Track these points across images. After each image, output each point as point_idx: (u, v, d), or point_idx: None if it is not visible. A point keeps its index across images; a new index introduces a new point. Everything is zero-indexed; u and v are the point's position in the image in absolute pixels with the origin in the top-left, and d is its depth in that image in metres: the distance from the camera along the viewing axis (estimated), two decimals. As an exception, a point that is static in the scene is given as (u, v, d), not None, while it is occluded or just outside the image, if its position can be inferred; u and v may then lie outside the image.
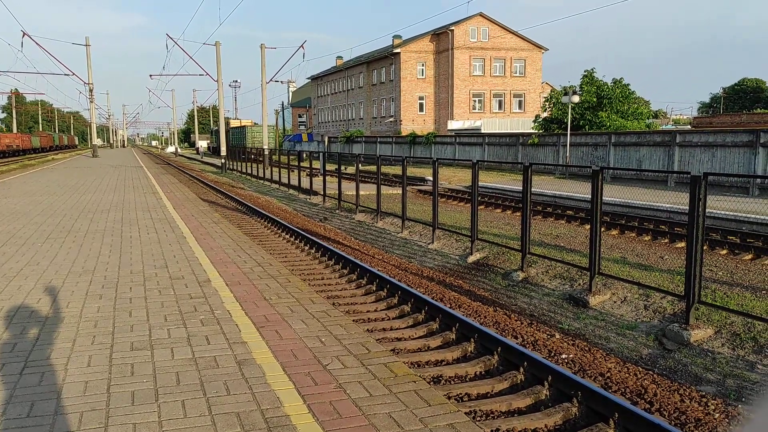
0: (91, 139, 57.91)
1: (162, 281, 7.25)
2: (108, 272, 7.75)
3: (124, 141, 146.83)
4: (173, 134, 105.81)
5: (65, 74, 56.80)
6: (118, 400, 3.93)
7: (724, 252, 12.22)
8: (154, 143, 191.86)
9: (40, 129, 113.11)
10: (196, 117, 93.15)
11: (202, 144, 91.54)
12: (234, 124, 73.75)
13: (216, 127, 71.55)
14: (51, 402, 3.90)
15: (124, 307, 6.15)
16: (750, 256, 11.77)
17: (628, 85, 35.08)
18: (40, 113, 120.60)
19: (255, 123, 73.77)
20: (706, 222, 8.36)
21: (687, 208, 7.80)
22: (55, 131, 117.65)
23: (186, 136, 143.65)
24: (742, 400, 6.38)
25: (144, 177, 27.08)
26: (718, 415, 5.73)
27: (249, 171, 38.94)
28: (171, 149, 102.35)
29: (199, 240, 10.19)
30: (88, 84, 49.99)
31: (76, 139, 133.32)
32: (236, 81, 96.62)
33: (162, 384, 4.20)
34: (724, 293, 9.00)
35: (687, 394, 6.20)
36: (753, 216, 14.52)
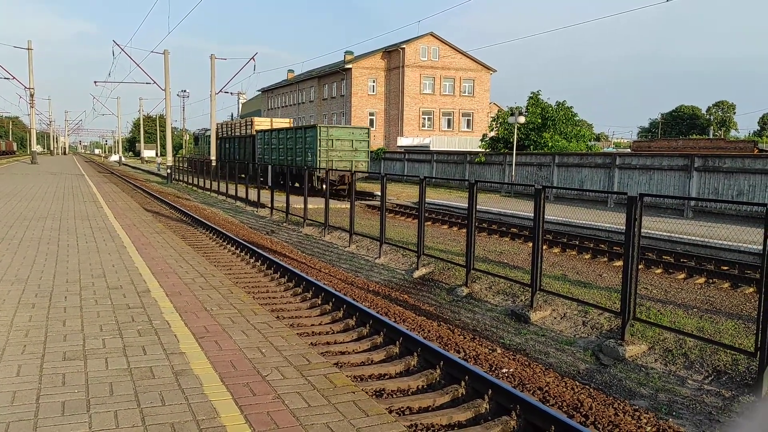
0: (30, 145, 56.01)
1: (99, 291, 7.05)
2: (42, 281, 7.49)
3: (65, 148, 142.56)
4: (117, 143, 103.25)
5: (5, 78, 54.71)
6: (48, 411, 3.79)
7: (659, 271, 12.65)
8: (97, 151, 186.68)
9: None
10: (142, 126, 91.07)
11: (147, 152, 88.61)
12: (260, 125, 38.96)
13: (202, 131, 55.11)
14: (-26, 413, 3.73)
15: (58, 316, 5.95)
16: (683, 276, 12.22)
17: (571, 107, 36.13)
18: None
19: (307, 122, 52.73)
20: (643, 242, 8.66)
21: (624, 228, 8.06)
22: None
23: (131, 145, 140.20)
24: (673, 414, 6.60)
25: (85, 185, 26.30)
26: (650, 428, 5.90)
27: (195, 182, 38.30)
28: (115, 158, 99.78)
29: (139, 250, 9.95)
30: (29, 89, 48.44)
31: (14, 145, 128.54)
32: (185, 91, 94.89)
33: (94, 394, 4.07)
34: (658, 310, 9.31)
35: (621, 408, 6.37)
36: (686, 237, 15.09)
